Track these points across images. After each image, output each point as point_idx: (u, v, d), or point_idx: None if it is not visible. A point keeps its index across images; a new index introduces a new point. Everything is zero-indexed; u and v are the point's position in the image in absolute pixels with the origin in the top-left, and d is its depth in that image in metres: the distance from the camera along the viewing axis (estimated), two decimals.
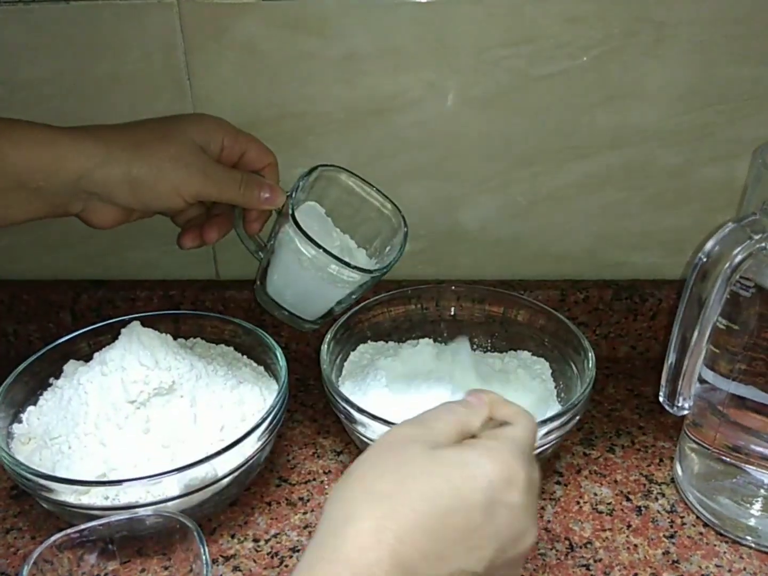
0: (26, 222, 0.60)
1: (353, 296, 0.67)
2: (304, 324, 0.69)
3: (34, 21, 0.68)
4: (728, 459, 0.60)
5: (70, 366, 0.67)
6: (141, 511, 0.54)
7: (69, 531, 0.52)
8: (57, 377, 0.67)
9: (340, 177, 0.67)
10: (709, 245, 0.53)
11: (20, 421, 0.64)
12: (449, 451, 0.42)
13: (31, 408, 0.65)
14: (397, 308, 0.75)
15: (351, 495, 0.40)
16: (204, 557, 0.50)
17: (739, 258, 0.52)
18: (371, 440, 0.61)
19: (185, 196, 0.61)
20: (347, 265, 0.61)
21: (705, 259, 0.53)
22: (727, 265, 0.52)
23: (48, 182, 0.58)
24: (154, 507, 0.55)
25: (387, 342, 0.75)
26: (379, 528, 0.38)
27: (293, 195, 0.62)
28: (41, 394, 0.66)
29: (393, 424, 0.58)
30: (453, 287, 0.76)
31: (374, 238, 0.69)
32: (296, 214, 0.61)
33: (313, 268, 0.62)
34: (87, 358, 0.67)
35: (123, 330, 0.64)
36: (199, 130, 0.63)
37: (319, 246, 0.60)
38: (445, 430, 0.43)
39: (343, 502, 0.40)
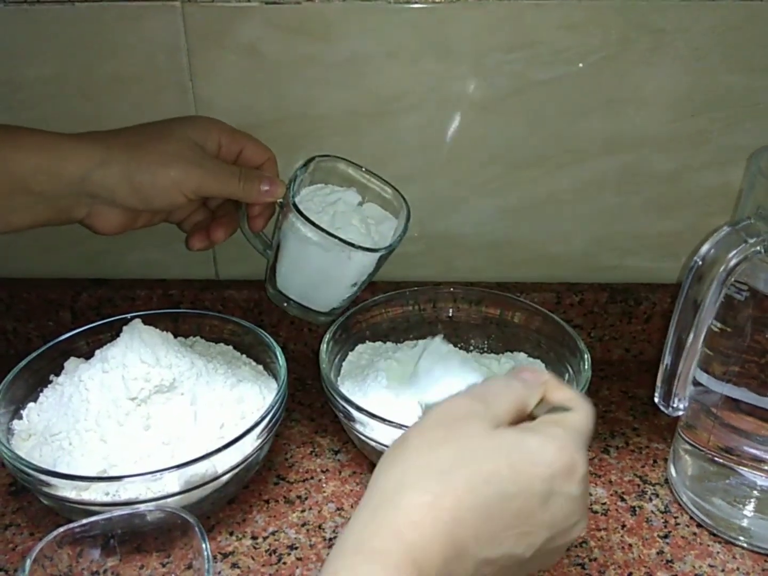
0: (30, 228, 0.61)
1: (362, 280, 0.66)
2: (318, 317, 0.69)
3: (39, 21, 0.69)
4: (721, 460, 0.61)
5: (71, 363, 0.67)
6: (142, 507, 0.54)
7: (70, 526, 0.52)
8: (57, 374, 0.67)
9: (339, 166, 0.68)
10: (704, 249, 0.54)
11: (20, 418, 0.64)
12: (512, 433, 0.41)
13: (31, 404, 0.65)
14: (395, 309, 0.76)
15: (405, 467, 0.39)
16: (205, 552, 0.50)
17: (733, 261, 0.53)
18: (370, 439, 0.61)
19: (185, 191, 0.61)
20: (351, 245, 0.61)
21: (700, 262, 0.54)
22: (722, 268, 0.53)
23: (50, 185, 0.59)
24: (154, 503, 0.55)
25: (385, 342, 0.75)
26: (435, 504, 0.37)
27: (291, 186, 0.63)
28: (41, 391, 0.66)
29: (391, 422, 0.59)
30: (450, 289, 0.76)
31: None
32: (297, 202, 0.62)
33: (319, 252, 0.62)
34: (87, 356, 0.67)
35: (125, 327, 0.64)
36: (195, 129, 0.64)
37: (323, 229, 0.61)
38: (503, 407, 0.42)
39: (397, 473, 0.39)
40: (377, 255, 0.64)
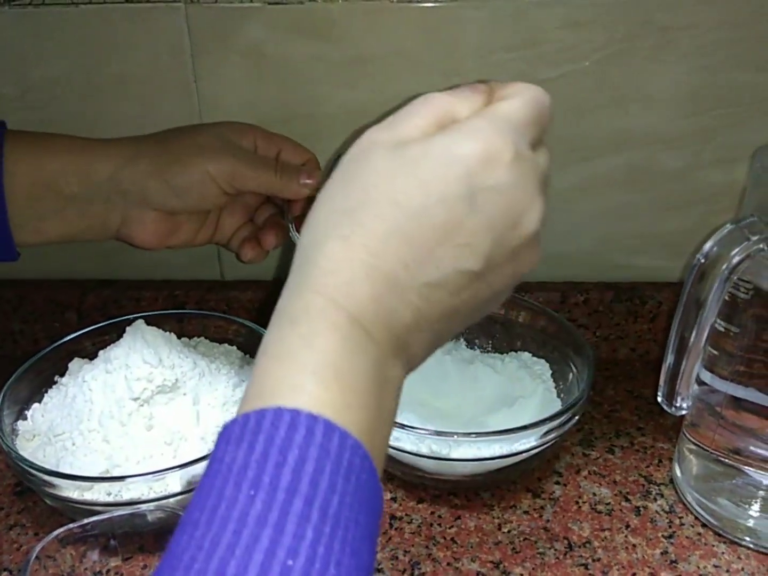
0: (63, 240, 0.61)
1: None
2: None
3: (43, 23, 0.69)
4: (727, 460, 0.60)
5: (75, 364, 0.67)
6: (143, 507, 0.54)
7: (71, 525, 0.52)
8: (62, 375, 0.67)
9: None
10: (707, 246, 0.54)
11: (25, 419, 0.65)
12: (414, 145, 0.36)
13: (35, 405, 0.65)
14: None
15: (317, 219, 0.37)
16: None
17: (737, 259, 0.52)
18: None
19: (219, 181, 0.58)
20: None
21: (703, 260, 0.54)
22: (724, 266, 0.53)
23: (80, 186, 0.58)
24: (156, 503, 0.55)
25: None
26: (346, 247, 0.34)
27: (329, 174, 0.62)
28: (46, 392, 0.67)
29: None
30: None
31: None
32: None
33: None
34: (92, 356, 0.67)
35: (128, 328, 0.65)
36: (229, 127, 0.63)
37: None
38: (412, 125, 0.37)
39: (310, 228, 0.36)
40: None
